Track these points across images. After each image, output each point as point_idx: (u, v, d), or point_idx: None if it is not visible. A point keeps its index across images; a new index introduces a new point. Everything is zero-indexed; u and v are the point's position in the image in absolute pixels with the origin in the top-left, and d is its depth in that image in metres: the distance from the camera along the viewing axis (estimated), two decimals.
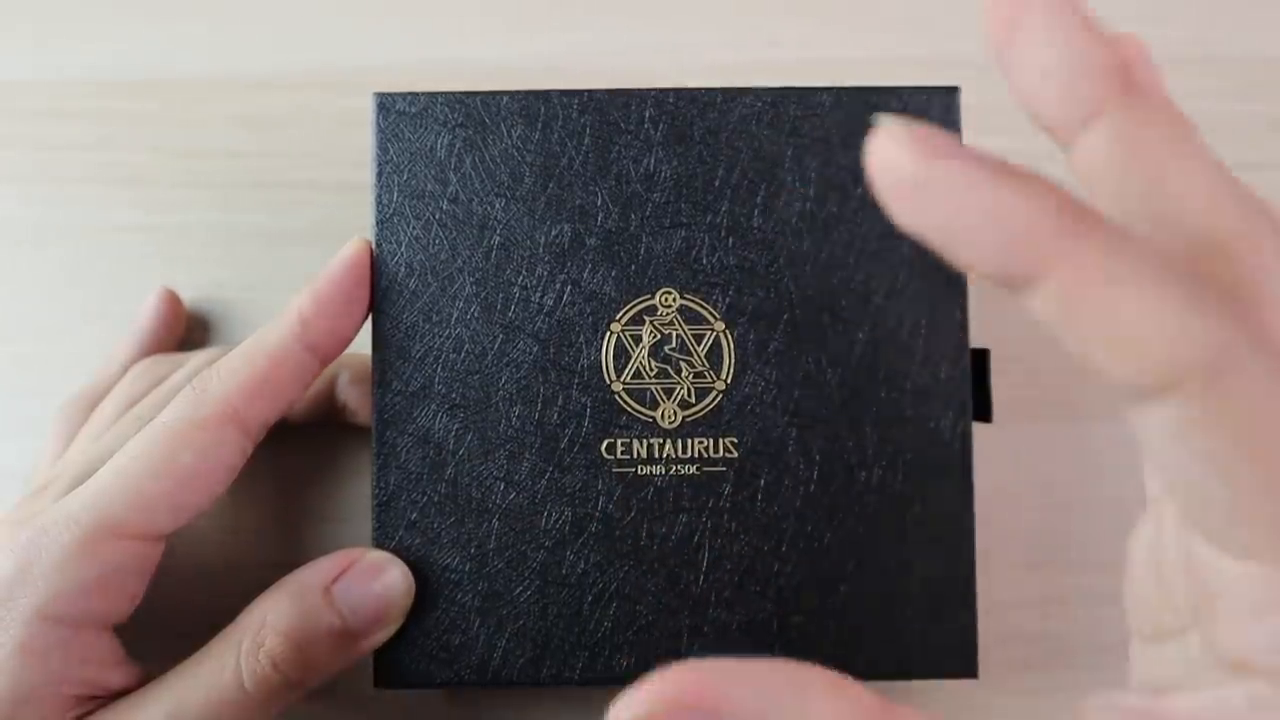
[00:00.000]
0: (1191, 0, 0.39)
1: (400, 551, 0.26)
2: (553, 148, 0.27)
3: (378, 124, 0.27)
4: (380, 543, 0.26)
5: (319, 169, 0.36)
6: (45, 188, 0.36)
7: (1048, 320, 0.15)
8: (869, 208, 0.26)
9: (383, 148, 0.27)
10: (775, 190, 0.27)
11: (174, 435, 0.25)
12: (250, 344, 0.26)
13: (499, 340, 0.26)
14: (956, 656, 0.26)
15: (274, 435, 0.27)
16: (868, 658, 0.26)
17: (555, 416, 0.26)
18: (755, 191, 0.27)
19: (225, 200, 0.36)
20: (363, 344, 0.28)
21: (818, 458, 0.26)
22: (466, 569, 0.26)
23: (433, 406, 0.26)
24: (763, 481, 0.26)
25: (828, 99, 0.27)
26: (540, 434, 0.26)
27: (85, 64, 0.37)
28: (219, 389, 0.25)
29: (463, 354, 0.26)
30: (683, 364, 0.27)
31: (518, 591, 0.26)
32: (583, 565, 0.26)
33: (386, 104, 0.27)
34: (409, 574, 0.26)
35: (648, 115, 0.27)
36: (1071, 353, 0.15)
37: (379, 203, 0.27)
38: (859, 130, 0.26)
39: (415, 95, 0.27)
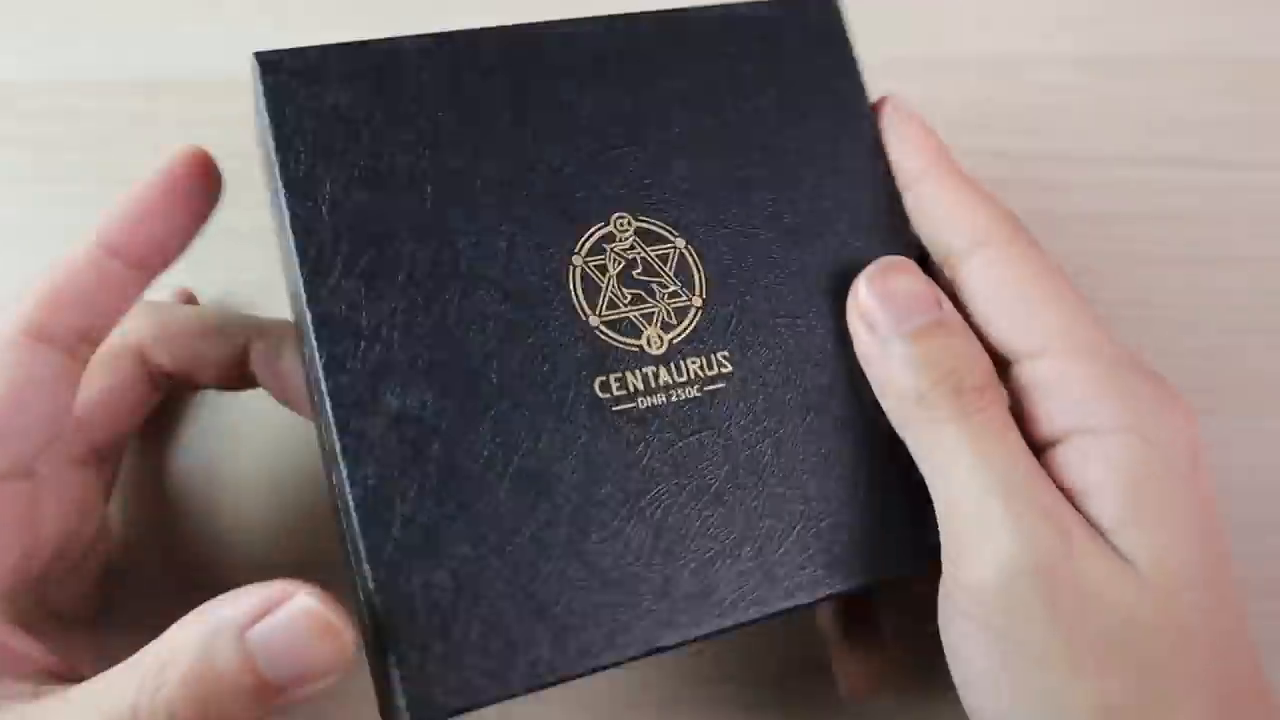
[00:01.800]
0: (1191, 0, 0.39)
1: (401, 557, 0.22)
2: (467, 90, 0.25)
3: (265, 86, 0.24)
4: (372, 553, 0.22)
5: None
6: (45, 188, 0.36)
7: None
8: (786, 107, 0.27)
9: (276, 111, 0.24)
10: (698, 107, 0.26)
11: None
12: (54, 258, 0.25)
13: (457, 294, 0.23)
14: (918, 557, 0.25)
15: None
16: (839, 565, 0.25)
17: (538, 363, 0.23)
18: (680, 111, 0.26)
19: (225, 200, 0.36)
20: (278, 309, 0.28)
21: (815, 352, 0.26)
22: (485, 556, 0.22)
23: (399, 379, 0.22)
24: (767, 385, 0.25)
25: (717, 16, 0.27)
26: (527, 385, 0.23)
27: (85, 64, 0.37)
28: (16, 306, 0.24)
29: (419, 316, 0.23)
30: (654, 286, 0.25)
31: (551, 566, 0.22)
32: (615, 519, 0.23)
33: (271, 63, 0.24)
34: (348, 626, 0.21)
35: (559, 46, 0.26)
36: None
37: (284, 169, 0.23)
38: (752, 43, 0.27)
39: (303, 50, 0.25)
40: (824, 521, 0.25)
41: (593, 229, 0.25)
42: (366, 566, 0.21)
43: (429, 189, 0.24)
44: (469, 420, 0.23)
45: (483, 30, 0.25)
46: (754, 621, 0.24)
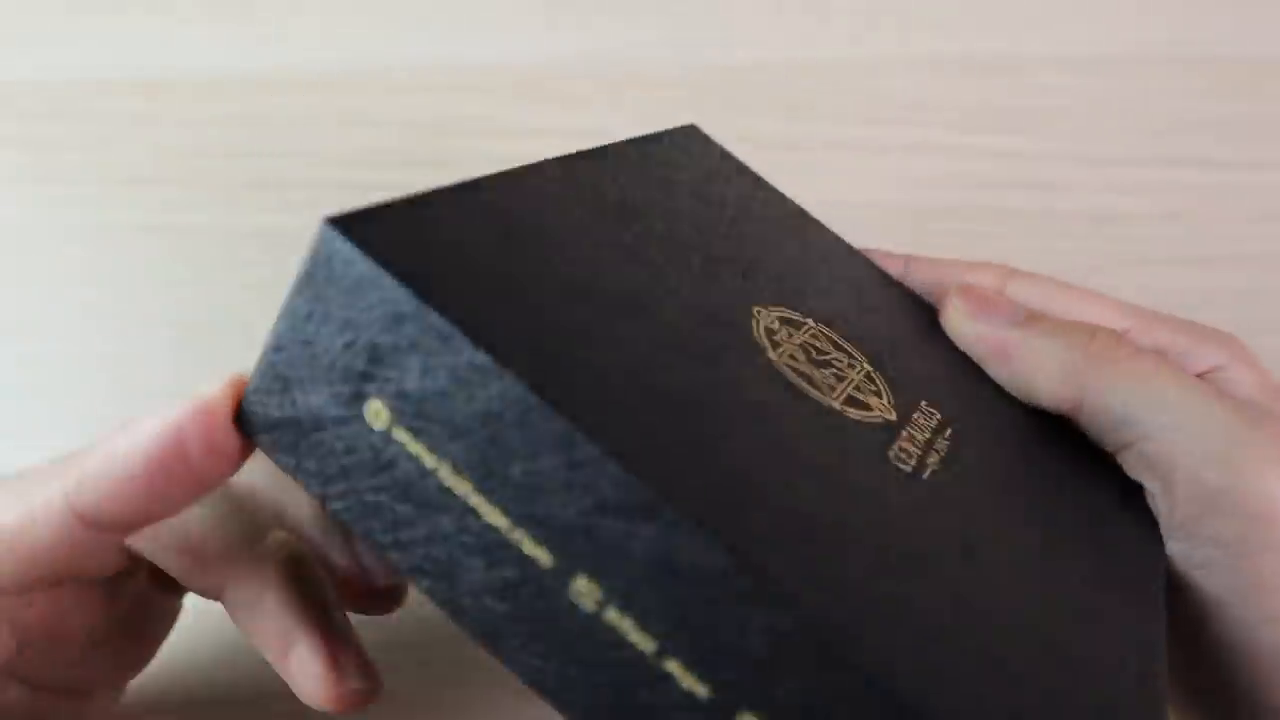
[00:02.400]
0: (1191, 0, 0.39)
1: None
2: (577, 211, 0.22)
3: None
4: None
5: (319, 169, 0.36)
6: (45, 188, 0.36)
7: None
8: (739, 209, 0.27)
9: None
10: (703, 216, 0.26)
11: None
12: (27, 485, 0.21)
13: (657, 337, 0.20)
14: None
15: None
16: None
17: (831, 451, 0.20)
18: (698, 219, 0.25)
19: (225, 200, 0.36)
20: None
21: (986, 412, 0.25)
22: None
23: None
24: (977, 435, 0.24)
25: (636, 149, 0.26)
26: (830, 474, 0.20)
27: (85, 64, 0.37)
28: None
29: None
30: (833, 361, 0.23)
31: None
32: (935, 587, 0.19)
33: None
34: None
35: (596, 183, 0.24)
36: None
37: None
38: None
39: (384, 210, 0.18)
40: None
41: (753, 327, 0.23)
42: None
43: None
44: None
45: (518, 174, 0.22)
46: None
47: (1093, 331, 0.25)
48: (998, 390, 0.26)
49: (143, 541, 0.23)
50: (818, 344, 0.23)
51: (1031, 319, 0.25)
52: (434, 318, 0.16)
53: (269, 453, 0.18)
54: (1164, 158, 0.38)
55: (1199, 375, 0.25)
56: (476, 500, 0.16)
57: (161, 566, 0.23)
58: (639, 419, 0.17)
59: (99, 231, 0.36)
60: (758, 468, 0.18)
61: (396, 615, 0.33)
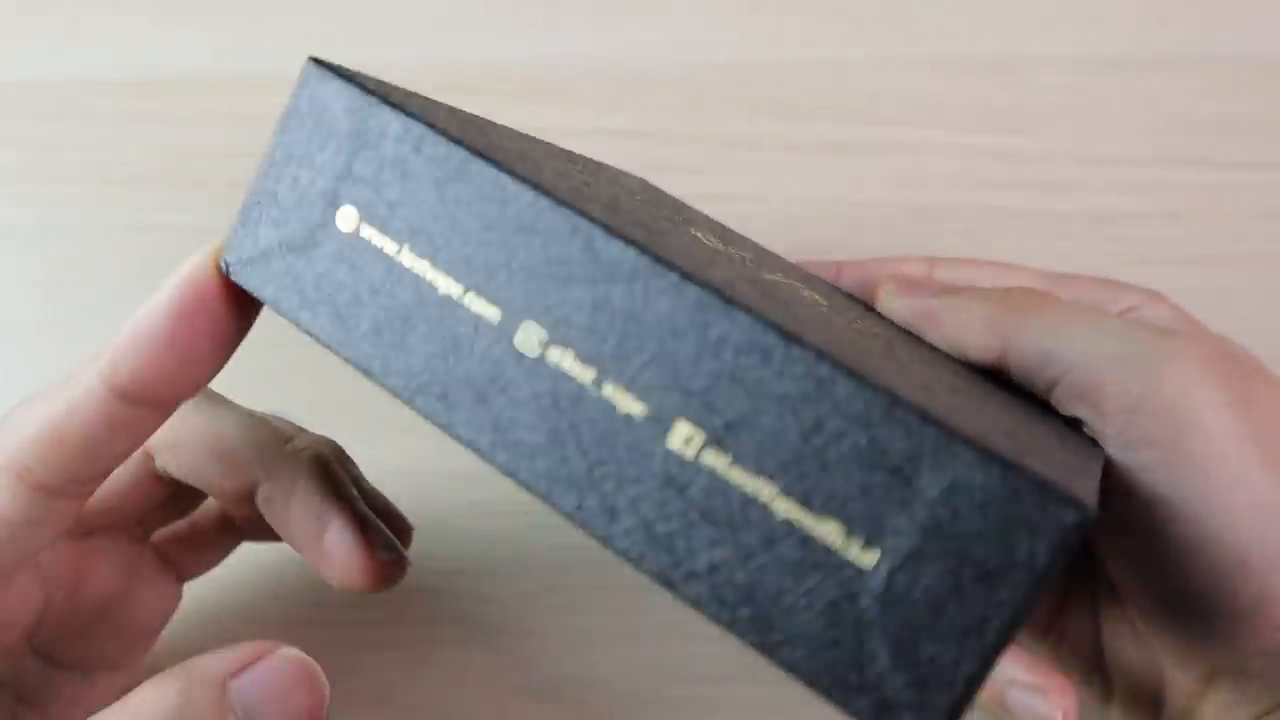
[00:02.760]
0: (1191, 0, 0.39)
1: None
2: None
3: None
4: None
5: None
6: (45, 188, 0.36)
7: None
8: None
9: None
10: None
11: None
12: (55, 387, 0.21)
13: None
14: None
15: None
16: None
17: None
18: None
19: (225, 200, 0.36)
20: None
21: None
22: None
23: None
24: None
25: None
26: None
27: (85, 64, 0.37)
28: (7, 437, 0.21)
29: None
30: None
31: None
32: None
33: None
34: (324, 679, 0.21)
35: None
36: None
37: None
38: None
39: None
40: None
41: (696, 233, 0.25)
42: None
43: None
44: None
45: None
46: None
47: (1009, 288, 0.27)
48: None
49: (176, 457, 0.25)
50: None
51: (955, 288, 0.28)
52: (413, 125, 0.18)
53: (261, 292, 0.19)
54: (1164, 158, 0.38)
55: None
56: (439, 278, 0.18)
57: (196, 481, 0.25)
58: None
59: (99, 231, 0.36)
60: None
61: (396, 617, 0.33)
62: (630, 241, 0.17)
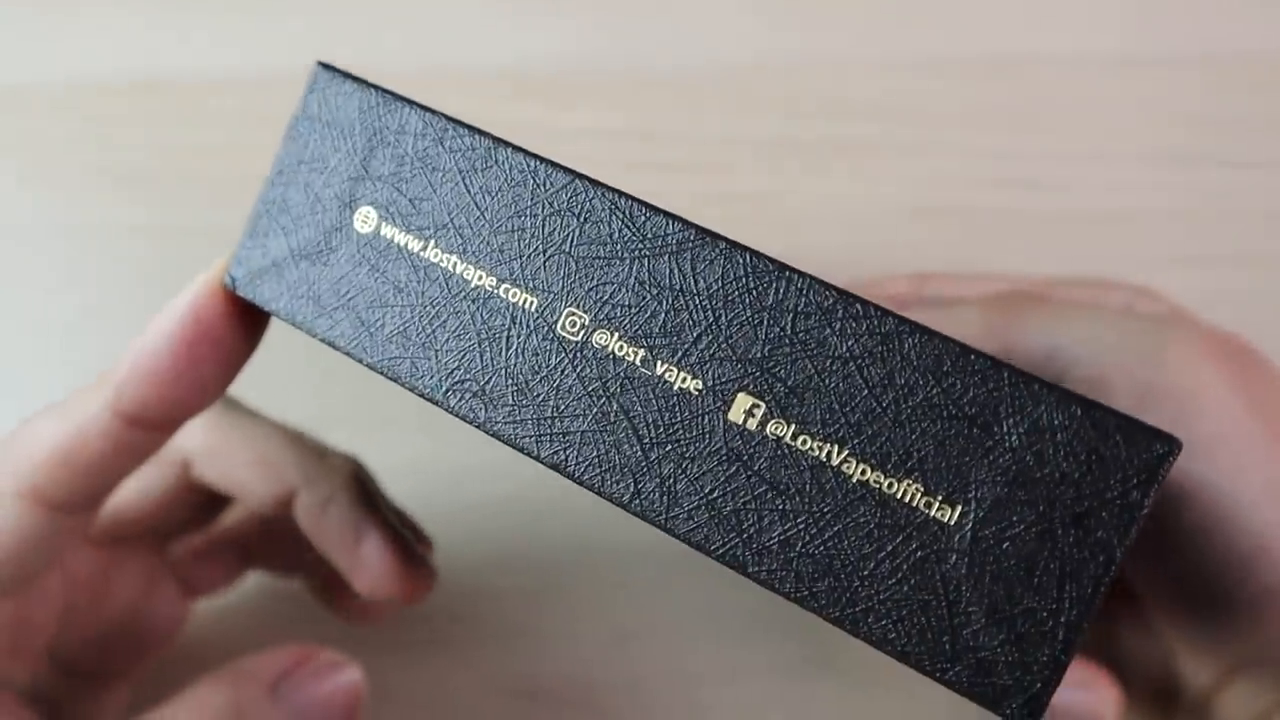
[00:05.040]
0: (1192, 0, 0.39)
1: None
2: None
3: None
4: None
5: None
6: (45, 188, 0.36)
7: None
8: None
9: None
10: None
11: None
12: (62, 407, 0.22)
13: None
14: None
15: None
16: None
17: None
18: None
19: (225, 200, 0.36)
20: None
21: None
22: None
23: None
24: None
25: None
26: None
27: (85, 64, 0.37)
28: (16, 456, 0.21)
29: None
30: None
31: None
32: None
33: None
34: (362, 678, 0.23)
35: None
36: None
37: None
38: None
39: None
40: None
41: None
42: None
43: None
44: None
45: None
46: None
47: (1002, 293, 0.27)
48: None
49: (215, 465, 0.25)
50: None
51: (947, 300, 0.28)
52: (434, 118, 0.18)
53: (273, 305, 0.19)
54: (1165, 157, 0.38)
55: None
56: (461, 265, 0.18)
57: (233, 488, 0.26)
58: None
59: (99, 231, 0.36)
60: None
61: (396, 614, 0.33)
62: (672, 215, 0.16)
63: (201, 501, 0.28)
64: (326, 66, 0.19)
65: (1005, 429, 0.15)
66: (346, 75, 0.19)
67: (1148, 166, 0.38)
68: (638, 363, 0.16)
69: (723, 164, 0.37)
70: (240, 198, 0.36)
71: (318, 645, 0.23)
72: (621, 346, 0.17)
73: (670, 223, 0.16)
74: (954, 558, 0.15)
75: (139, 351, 0.20)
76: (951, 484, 0.15)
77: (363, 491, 0.26)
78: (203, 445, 0.26)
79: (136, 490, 0.26)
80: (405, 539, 0.25)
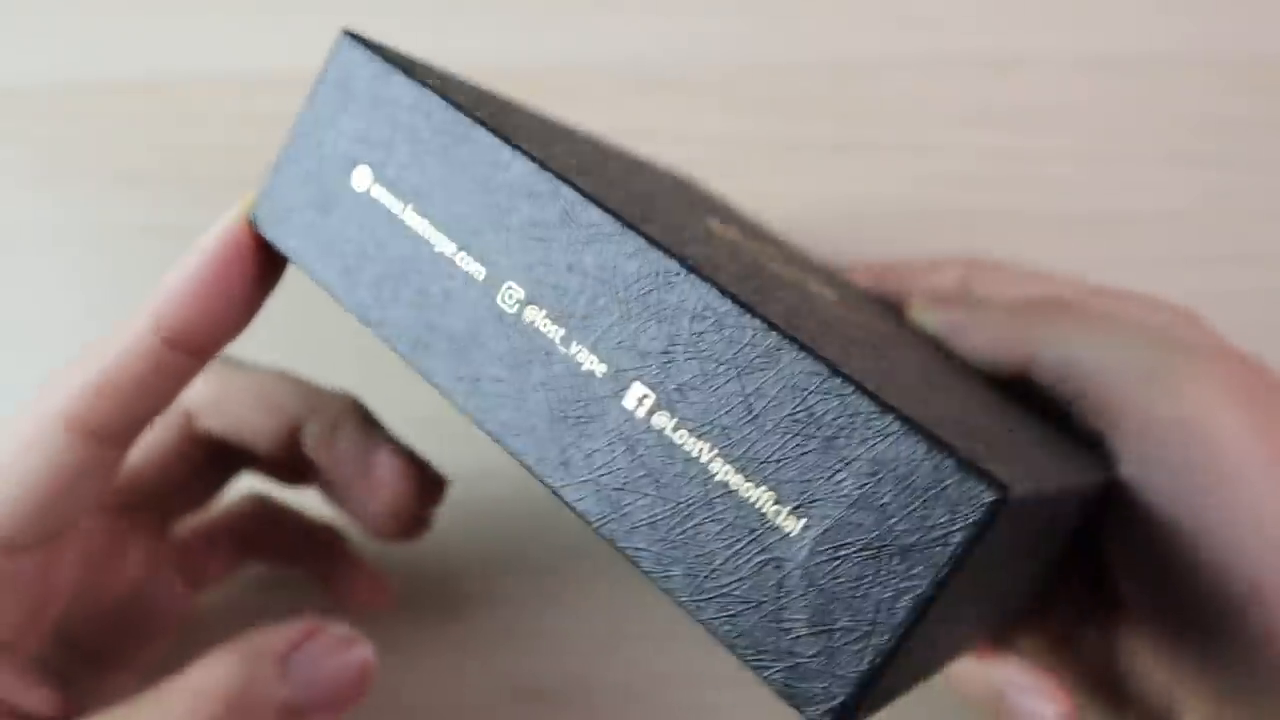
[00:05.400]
0: (1192, 1, 0.39)
1: None
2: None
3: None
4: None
5: None
6: (46, 188, 0.36)
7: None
8: None
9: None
10: None
11: (11, 435, 0.23)
12: (101, 338, 0.23)
13: None
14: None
15: None
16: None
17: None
18: None
19: (226, 200, 0.36)
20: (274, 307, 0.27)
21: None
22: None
23: None
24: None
25: None
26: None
27: (85, 64, 0.37)
28: (54, 387, 0.22)
29: None
30: None
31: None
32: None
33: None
34: (373, 654, 0.23)
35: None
36: None
37: None
38: None
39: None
40: None
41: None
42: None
43: None
44: None
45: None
46: None
47: (1034, 298, 0.26)
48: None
49: (220, 412, 0.27)
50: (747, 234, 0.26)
51: (983, 300, 0.27)
52: (425, 93, 0.19)
53: (285, 244, 0.21)
54: (1166, 157, 0.38)
55: None
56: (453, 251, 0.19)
57: (240, 432, 0.27)
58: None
59: (99, 231, 0.36)
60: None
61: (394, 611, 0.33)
62: (605, 208, 0.18)
63: (204, 462, 0.28)
64: (351, 35, 0.20)
65: (854, 453, 0.15)
66: (365, 44, 0.20)
67: (1149, 166, 0.38)
68: (557, 340, 0.18)
69: (723, 164, 0.37)
70: (239, 198, 0.36)
71: (326, 619, 0.23)
72: (546, 324, 0.18)
73: (603, 215, 0.17)
74: (790, 567, 0.16)
75: (177, 274, 0.22)
76: (801, 498, 0.16)
77: (365, 416, 0.27)
78: (205, 396, 0.27)
79: (143, 450, 0.27)
80: (412, 451, 0.26)
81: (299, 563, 0.31)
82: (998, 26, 0.39)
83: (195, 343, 0.22)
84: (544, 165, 0.18)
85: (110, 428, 0.22)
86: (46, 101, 0.37)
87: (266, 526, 0.30)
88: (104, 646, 0.27)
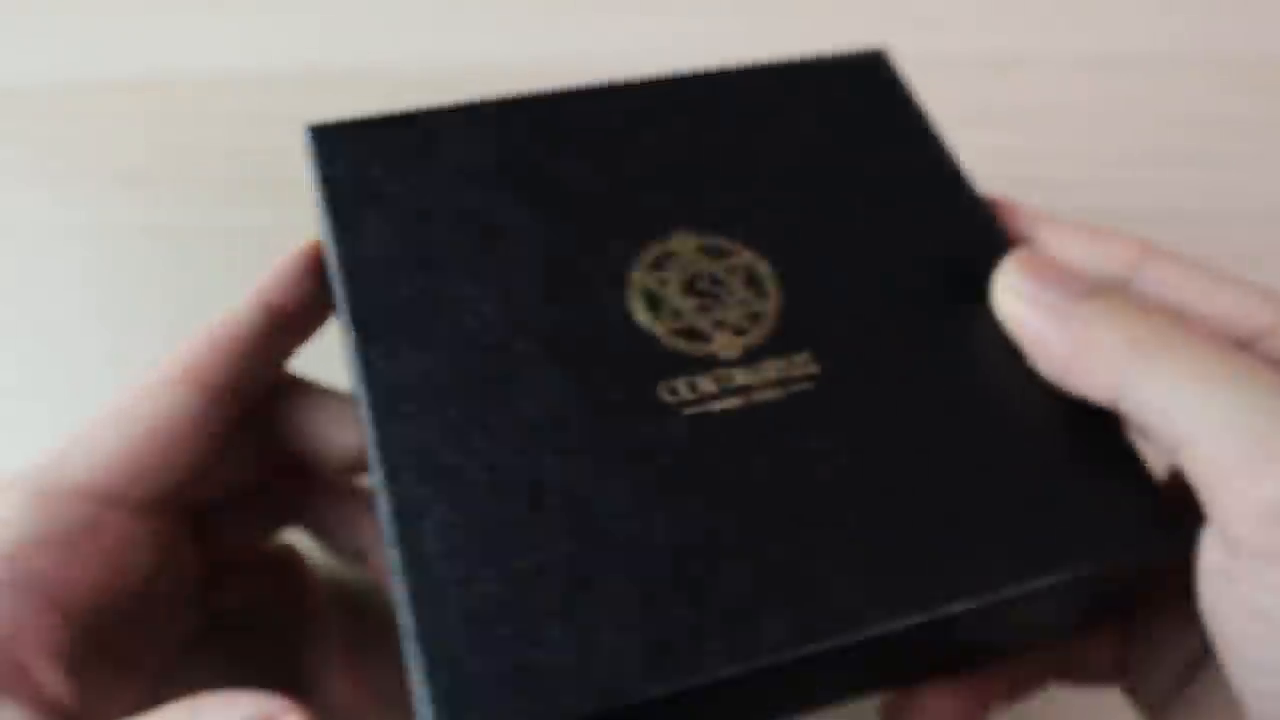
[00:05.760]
0: (1192, 0, 0.39)
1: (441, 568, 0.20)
2: (505, 154, 0.27)
3: (319, 158, 0.26)
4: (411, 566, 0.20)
5: None
6: (47, 188, 0.36)
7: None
8: (849, 142, 0.27)
9: (327, 185, 0.26)
10: (745, 165, 0.27)
11: (128, 392, 0.24)
12: (218, 314, 0.25)
13: (508, 307, 0.24)
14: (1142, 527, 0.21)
15: None
16: (1029, 550, 0.21)
17: (598, 376, 0.23)
18: (725, 167, 0.27)
19: (226, 199, 0.36)
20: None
21: (908, 356, 0.24)
22: (531, 568, 0.21)
23: (452, 436, 0.22)
24: (856, 388, 0.24)
25: (763, 78, 0.28)
26: (586, 397, 0.23)
27: (85, 64, 0.37)
28: (176, 350, 0.25)
29: (471, 333, 0.23)
30: (723, 294, 0.25)
31: (604, 577, 0.21)
32: (682, 528, 0.21)
33: (323, 133, 0.26)
34: None
35: (594, 116, 0.28)
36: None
37: (337, 240, 0.25)
38: (795, 104, 0.28)
39: (351, 124, 0.27)
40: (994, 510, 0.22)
41: (655, 244, 0.25)
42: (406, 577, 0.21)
43: (476, 228, 0.25)
44: (518, 432, 0.22)
45: (514, 102, 0.29)
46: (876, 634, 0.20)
47: (1149, 311, 0.21)
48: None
49: (304, 419, 0.27)
50: (716, 273, 0.25)
51: (1089, 295, 0.22)
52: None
53: None
54: (1166, 157, 0.38)
55: None
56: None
57: (315, 442, 0.27)
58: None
59: (99, 231, 0.36)
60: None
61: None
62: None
63: (243, 468, 0.28)
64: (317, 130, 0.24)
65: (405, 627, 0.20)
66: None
67: (1148, 166, 0.38)
68: None
69: None
70: (240, 197, 0.36)
71: (286, 700, 0.21)
72: None
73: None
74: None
75: (282, 262, 0.25)
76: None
77: None
78: (287, 404, 0.28)
79: (171, 441, 0.26)
80: None
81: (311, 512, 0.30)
82: (998, 26, 0.39)
83: (292, 316, 0.25)
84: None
85: (223, 384, 0.25)
86: (46, 101, 0.37)
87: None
88: (114, 645, 0.27)
